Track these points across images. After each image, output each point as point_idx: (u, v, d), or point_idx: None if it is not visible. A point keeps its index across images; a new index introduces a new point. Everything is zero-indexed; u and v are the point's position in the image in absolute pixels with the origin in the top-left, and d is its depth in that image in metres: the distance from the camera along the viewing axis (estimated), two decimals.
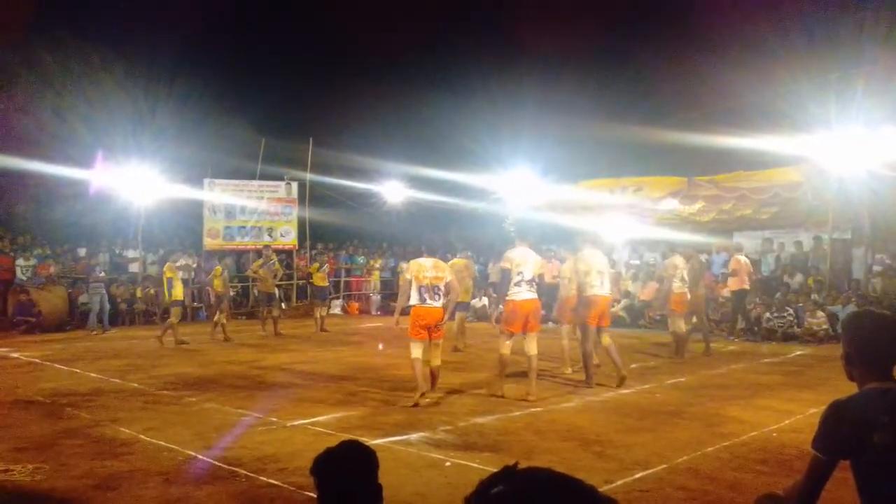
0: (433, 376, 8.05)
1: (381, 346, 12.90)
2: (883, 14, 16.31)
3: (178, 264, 14.85)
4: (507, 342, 8.14)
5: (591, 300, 8.83)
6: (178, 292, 13.77)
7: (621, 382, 8.63)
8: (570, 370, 9.79)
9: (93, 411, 7.52)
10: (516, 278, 8.00)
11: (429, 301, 7.81)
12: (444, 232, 23.89)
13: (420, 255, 8.34)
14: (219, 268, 15.29)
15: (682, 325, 11.11)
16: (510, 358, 8.25)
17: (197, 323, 17.64)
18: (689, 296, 11.12)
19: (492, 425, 6.90)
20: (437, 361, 8.01)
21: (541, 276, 8.27)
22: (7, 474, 5.32)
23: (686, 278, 11.19)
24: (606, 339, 8.90)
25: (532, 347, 8.15)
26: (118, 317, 17.13)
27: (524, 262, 8.07)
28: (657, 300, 15.68)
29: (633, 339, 14.12)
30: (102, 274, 17.11)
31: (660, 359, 11.43)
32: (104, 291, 16.72)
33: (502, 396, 8.05)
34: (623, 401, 8.10)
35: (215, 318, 14.57)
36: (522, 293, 8.02)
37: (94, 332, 15.79)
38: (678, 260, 11.45)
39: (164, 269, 14.12)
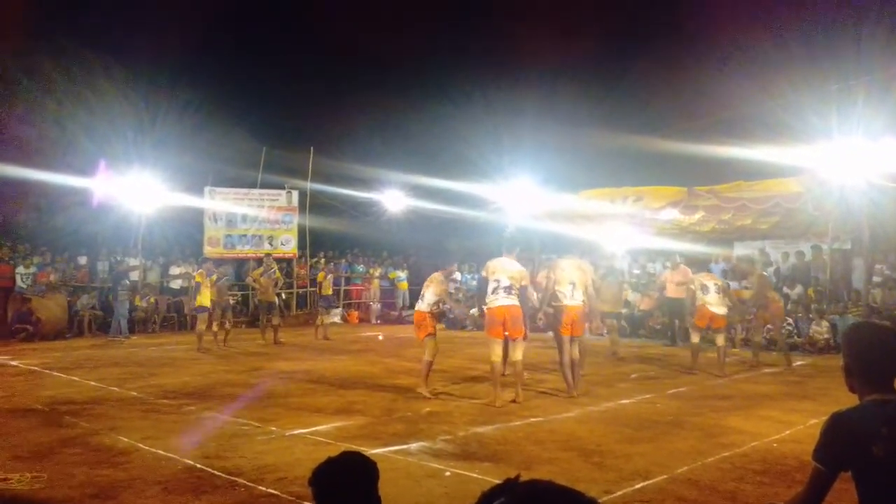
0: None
1: (380, 337, 13.23)
2: (882, 25, 16.39)
3: (174, 272, 14.86)
4: (497, 349, 8.39)
5: (560, 309, 8.93)
6: (205, 298, 13.79)
7: (568, 396, 8.80)
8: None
9: (91, 420, 7.50)
10: (493, 286, 8.34)
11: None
12: (445, 241, 23.92)
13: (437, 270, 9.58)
14: (213, 276, 15.17)
15: (697, 338, 11.06)
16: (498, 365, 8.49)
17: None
18: (709, 309, 10.87)
19: (491, 435, 6.88)
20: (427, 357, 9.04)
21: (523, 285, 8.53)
22: (5, 483, 5.31)
23: (709, 288, 11.02)
24: (575, 352, 9.00)
25: (517, 354, 8.47)
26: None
27: (499, 270, 8.38)
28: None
29: (632, 348, 14.11)
30: (128, 282, 17.14)
31: (660, 368, 11.42)
32: (127, 298, 16.78)
33: (497, 406, 8.14)
34: (622, 411, 8.09)
35: (214, 326, 14.55)
36: (498, 300, 8.30)
37: (125, 339, 15.80)
38: (693, 273, 11.59)
39: (196, 275, 14.17)
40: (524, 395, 8.52)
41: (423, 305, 9.09)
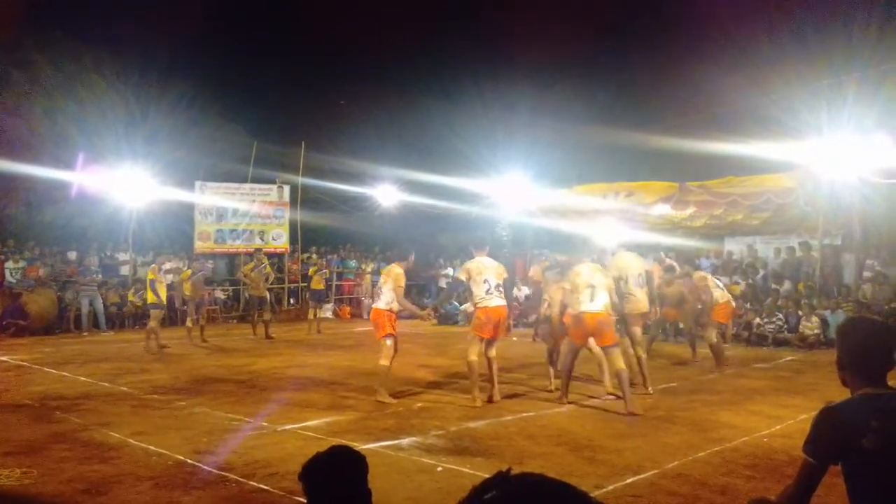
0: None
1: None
2: (874, 21, 16.44)
3: (166, 267, 14.77)
4: (478, 348, 8.11)
5: (577, 318, 8.10)
6: (161, 295, 13.49)
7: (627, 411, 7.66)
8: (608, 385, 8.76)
9: (82, 415, 7.47)
10: (484, 286, 8.06)
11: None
12: (437, 236, 23.93)
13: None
14: (187, 271, 14.93)
15: (716, 335, 10.80)
16: (477, 364, 8.12)
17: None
18: (732, 304, 10.73)
19: (483, 430, 6.89)
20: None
21: (505, 279, 8.36)
22: None
23: (721, 286, 11.00)
24: (618, 363, 7.89)
25: (491, 351, 8.27)
26: (108, 320, 17.04)
27: (484, 270, 8.12)
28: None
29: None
30: (99, 276, 17.06)
31: (651, 364, 11.43)
32: (96, 293, 16.68)
33: (477, 406, 7.89)
34: (614, 406, 8.08)
35: (188, 322, 14.42)
36: (493, 300, 8.07)
37: (84, 334, 15.80)
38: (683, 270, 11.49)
39: (149, 271, 13.98)
40: (502, 392, 8.39)
41: (380, 304, 8.40)
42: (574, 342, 8.25)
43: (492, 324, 8.10)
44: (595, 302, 7.98)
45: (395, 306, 8.34)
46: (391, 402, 8.08)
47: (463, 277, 8.29)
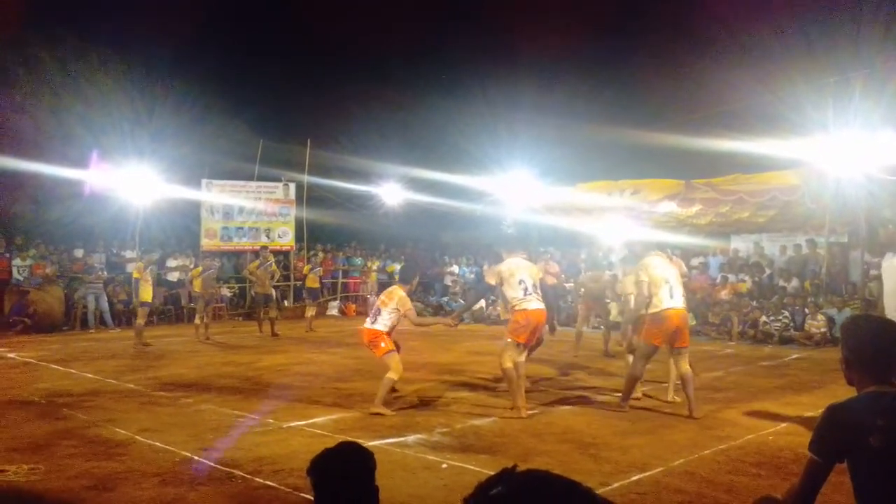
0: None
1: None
2: (880, 18, 16.38)
3: (171, 265, 14.83)
4: (515, 353, 7.44)
5: (661, 316, 7.36)
6: (146, 294, 13.58)
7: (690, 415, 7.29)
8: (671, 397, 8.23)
9: (88, 412, 7.50)
10: (521, 287, 7.46)
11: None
12: (441, 234, 23.95)
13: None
14: (198, 268, 15.16)
15: None
16: (514, 371, 7.42)
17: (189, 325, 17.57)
18: None
19: (489, 427, 6.89)
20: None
21: (541, 279, 7.94)
22: (2, 475, 5.31)
23: None
24: (685, 366, 7.42)
25: (522, 357, 7.66)
26: (115, 317, 17.11)
27: (518, 271, 7.53)
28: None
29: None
30: (104, 273, 17.11)
31: (657, 362, 11.42)
32: (101, 291, 16.74)
33: (524, 417, 7.24)
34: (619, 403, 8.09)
35: (196, 319, 14.51)
36: (533, 302, 7.46)
37: (91, 331, 15.91)
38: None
39: (133, 270, 14.02)
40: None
41: (378, 325, 7.61)
42: (652, 343, 7.50)
43: (531, 328, 7.48)
44: (675, 298, 7.40)
45: (390, 328, 7.70)
46: (389, 413, 7.45)
47: (492, 281, 7.69)
